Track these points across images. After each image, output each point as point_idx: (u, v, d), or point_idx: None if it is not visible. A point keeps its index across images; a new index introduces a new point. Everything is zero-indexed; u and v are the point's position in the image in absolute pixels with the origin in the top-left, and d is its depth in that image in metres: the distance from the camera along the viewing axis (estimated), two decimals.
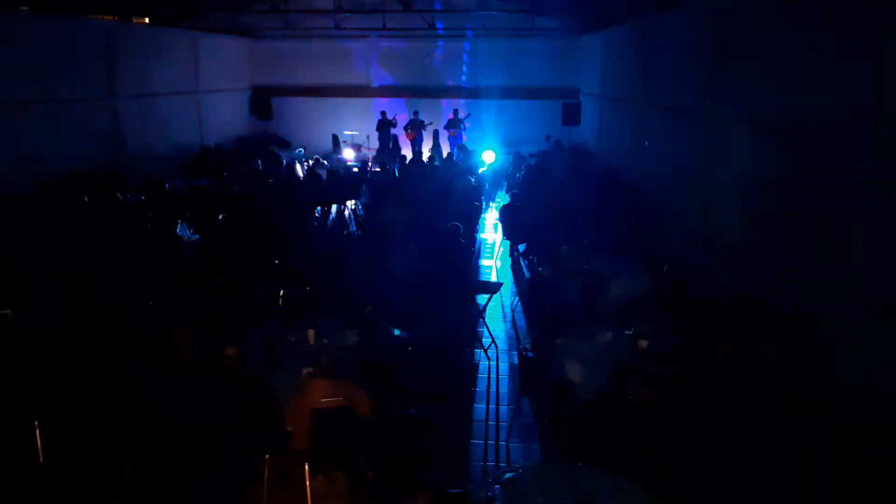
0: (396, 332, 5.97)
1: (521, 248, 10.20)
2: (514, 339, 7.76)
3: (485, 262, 10.60)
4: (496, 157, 16.00)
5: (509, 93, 17.89)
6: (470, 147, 16.09)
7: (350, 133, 18.20)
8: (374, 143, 17.85)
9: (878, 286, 4.84)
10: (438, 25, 16.51)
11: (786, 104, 6.31)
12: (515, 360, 7.22)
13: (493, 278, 9.78)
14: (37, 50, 10.43)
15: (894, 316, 4.65)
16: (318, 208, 11.87)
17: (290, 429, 4.56)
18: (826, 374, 5.36)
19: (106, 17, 12.56)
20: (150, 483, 4.97)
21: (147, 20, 14.14)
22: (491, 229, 12.44)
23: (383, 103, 18.15)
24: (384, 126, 17.56)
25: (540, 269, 7.98)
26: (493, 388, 6.69)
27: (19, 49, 10.09)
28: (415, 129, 17.39)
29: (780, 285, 6.26)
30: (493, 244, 11.51)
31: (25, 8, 10.14)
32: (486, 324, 7.62)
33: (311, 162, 15.02)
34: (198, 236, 9.45)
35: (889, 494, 4.48)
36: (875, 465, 4.72)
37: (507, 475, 3.80)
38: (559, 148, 15.61)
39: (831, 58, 5.51)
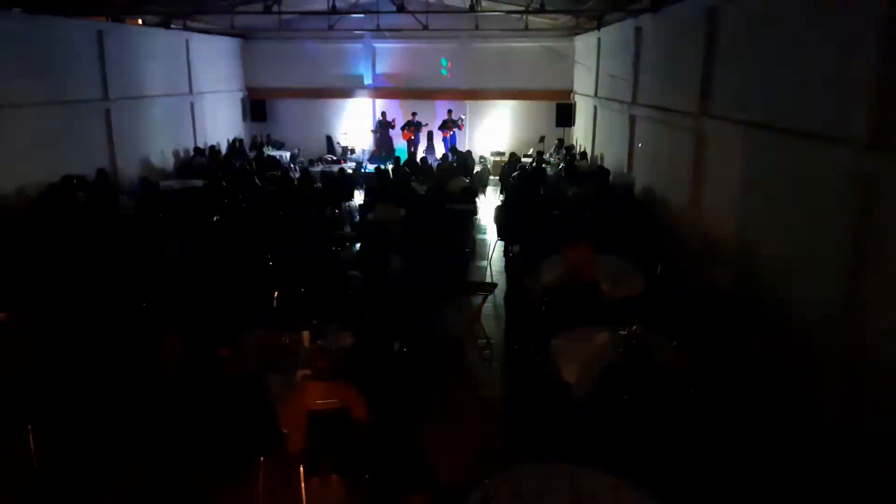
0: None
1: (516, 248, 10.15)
2: (509, 339, 7.74)
3: (479, 263, 10.57)
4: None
5: (503, 94, 17.91)
6: (462, 148, 16.09)
7: (343, 134, 18.17)
8: (369, 144, 17.87)
9: (871, 283, 4.85)
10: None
11: (778, 104, 6.33)
12: (511, 361, 7.22)
13: (488, 279, 9.75)
14: (29, 51, 10.37)
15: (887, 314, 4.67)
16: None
17: (284, 431, 4.54)
18: (817, 372, 5.38)
19: (98, 19, 12.48)
20: (145, 486, 4.94)
21: (140, 21, 14.07)
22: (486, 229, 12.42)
23: (378, 104, 18.14)
24: (382, 127, 17.55)
25: (534, 269, 7.95)
26: (488, 388, 6.68)
27: (12, 50, 10.03)
28: (411, 130, 17.40)
29: (773, 284, 6.27)
30: (488, 244, 11.48)
31: (18, 9, 10.06)
32: (481, 324, 7.61)
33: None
34: None
35: (886, 493, 4.49)
36: (867, 463, 4.74)
37: (504, 475, 3.79)
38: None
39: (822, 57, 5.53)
